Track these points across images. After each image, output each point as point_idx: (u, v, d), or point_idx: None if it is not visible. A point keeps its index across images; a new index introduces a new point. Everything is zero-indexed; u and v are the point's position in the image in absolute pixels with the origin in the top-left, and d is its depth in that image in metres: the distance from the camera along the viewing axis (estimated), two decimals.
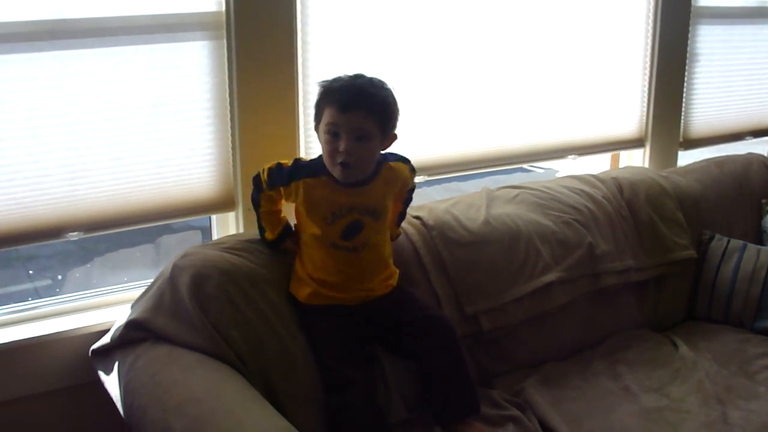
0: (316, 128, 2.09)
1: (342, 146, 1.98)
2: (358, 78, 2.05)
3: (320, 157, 2.09)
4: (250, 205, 2.20)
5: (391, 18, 2.59)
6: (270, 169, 2.12)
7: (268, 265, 2.15)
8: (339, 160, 1.99)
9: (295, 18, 2.40)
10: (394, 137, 2.12)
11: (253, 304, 2.06)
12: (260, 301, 2.07)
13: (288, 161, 2.12)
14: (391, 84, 2.08)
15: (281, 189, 2.11)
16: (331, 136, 2.00)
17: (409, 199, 2.33)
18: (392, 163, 2.17)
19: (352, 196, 2.08)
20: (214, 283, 2.03)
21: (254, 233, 2.24)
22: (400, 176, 2.20)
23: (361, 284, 2.15)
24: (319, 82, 2.08)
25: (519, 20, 2.86)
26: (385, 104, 2.04)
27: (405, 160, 2.24)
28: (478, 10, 2.75)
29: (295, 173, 2.09)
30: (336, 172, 2.03)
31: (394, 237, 2.30)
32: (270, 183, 2.11)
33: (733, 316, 2.82)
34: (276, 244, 2.18)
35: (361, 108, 1.98)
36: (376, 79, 2.06)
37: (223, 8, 2.29)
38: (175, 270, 2.06)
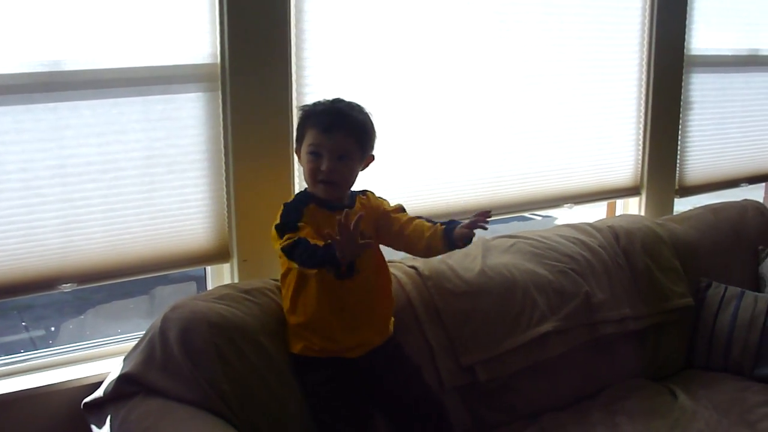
0: (298, 150, 2.16)
1: (324, 165, 2.06)
2: (338, 102, 2.15)
3: (301, 193, 2.16)
4: (245, 256, 2.18)
5: (386, 70, 2.61)
6: (277, 225, 2.04)
7: (258, 315, 2.14)
8: (320, 178, 2.07)
9: (290, 70, 2.42)
10: (372, 158, 2.20)
11: (243, 356, 2.04)
12: (250, 353, 2.06)
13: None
14: (369, 109, 2.17)
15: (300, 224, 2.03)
16: (314, 156, 2.08)
17: (397, 209, 2.24)
18: (361, 196, 2.21)
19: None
20: (203, 336, 2.01)
21: (246, 283, 2.23)
22: (373, 201, 2.23)
23: (359, 321, 2.13)
24: (299, 107, 2.17)
25: (514, 70, 2.88)
26: (365, 125, 2.14)
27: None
28: (474, 61, 2.78)
29: (298, 203, 2.09)
30: (319, 190, 2.10)
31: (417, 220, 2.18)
32: (290, 226, 2.02)
33: (733, 364, 2.79)
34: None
35: (342, 129, 2.08)
36: (354, 102, 2.16)
37: (218, 60, 2.31)
38: (165, 323, 2.06)
